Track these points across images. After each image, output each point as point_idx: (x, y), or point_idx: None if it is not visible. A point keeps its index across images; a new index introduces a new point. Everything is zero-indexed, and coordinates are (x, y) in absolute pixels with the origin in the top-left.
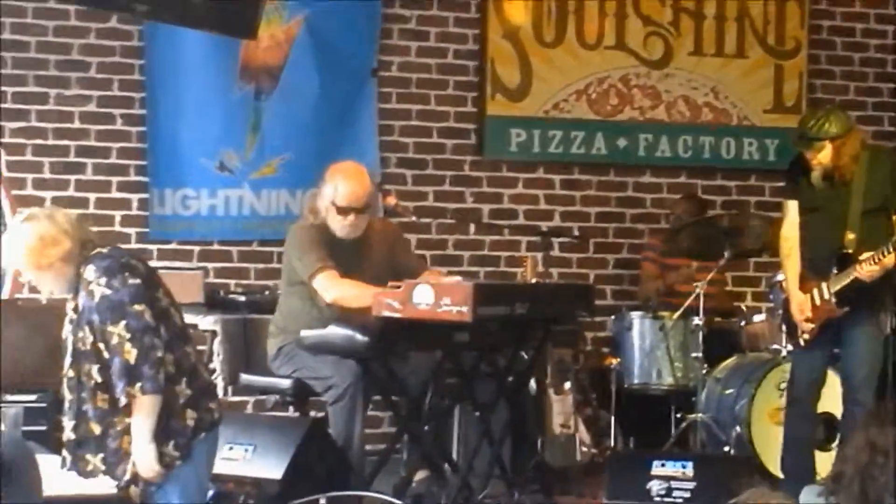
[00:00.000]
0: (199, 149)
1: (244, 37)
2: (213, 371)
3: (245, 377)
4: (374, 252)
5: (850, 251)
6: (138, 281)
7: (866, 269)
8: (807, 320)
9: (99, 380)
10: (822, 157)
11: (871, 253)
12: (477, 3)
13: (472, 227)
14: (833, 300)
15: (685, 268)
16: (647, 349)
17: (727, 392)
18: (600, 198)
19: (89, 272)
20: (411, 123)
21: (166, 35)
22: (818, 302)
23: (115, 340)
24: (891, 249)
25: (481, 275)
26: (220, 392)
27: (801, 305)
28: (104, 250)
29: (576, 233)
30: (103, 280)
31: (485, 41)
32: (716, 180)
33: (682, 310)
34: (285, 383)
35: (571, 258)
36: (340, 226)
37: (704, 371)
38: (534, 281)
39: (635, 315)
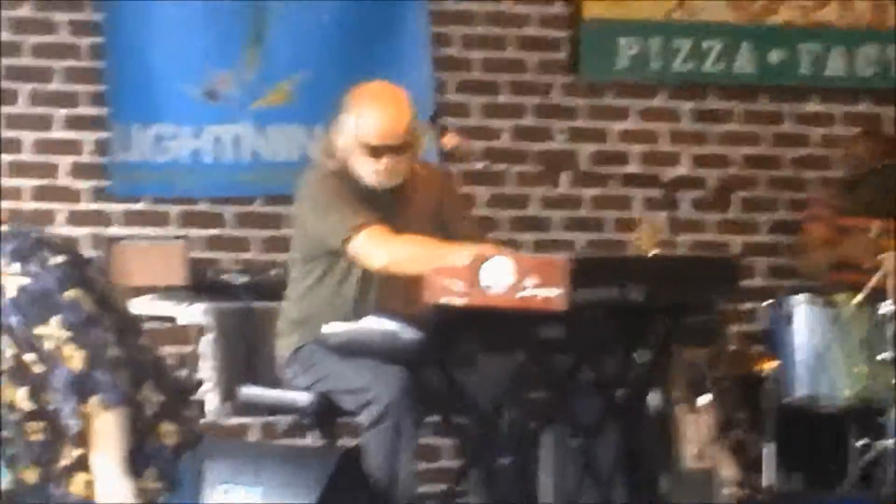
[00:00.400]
0: (178, 68)
1: None
2: (200, 382)
3: (247, 390)
4: (417, 209)
5: None
6: (62, 259)
7: None
8: None
9: (29, 407)
10: None
11: None
12: None
13: (566, 178)
14: None
15: (867, 230)
16: (817, 349)
17: None
18: (747, 134)
19: None
20: (476, 31)
21: None
22: None
23: (49, 345)
24: None
25: (580, 244)
26: (212, 412)
27: None
28: (5, 229)
29: (712, 184)
30: (15, 266)
31: None
32: None
33: (864, 292)
34: (304, 399)
35: (707, 220)
36: (370, 170)
37: None
38: (654, 253)
39: (799, 300)
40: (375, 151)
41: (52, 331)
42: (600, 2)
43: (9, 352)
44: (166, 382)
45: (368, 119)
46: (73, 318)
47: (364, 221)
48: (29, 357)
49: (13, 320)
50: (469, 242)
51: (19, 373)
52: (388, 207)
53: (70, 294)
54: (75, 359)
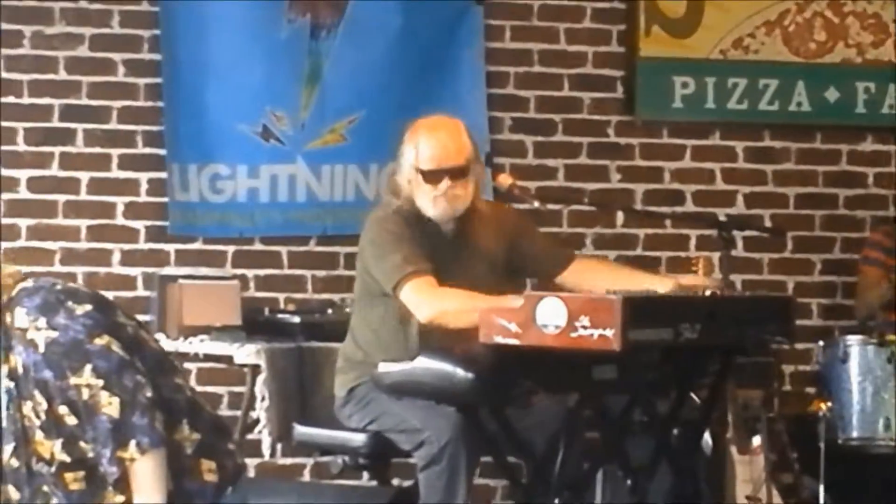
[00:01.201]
0: (234, 109)
1: None
2: (255, 422)
3: (301, 430)
4: (482, 245)
5: None
6: (88, 307)
7: None
8: None
9: (66, 459)
10: None
11: None
12: None
13: (620, 217)
14: None
15: None
16: (871, 389)
17: None
18: (802, 174)
19: (20, 318)
20: (532, 70)
21: None
22: None
23: (85, 395)
24: None
25: None
26: (266, 451)
27: None
28: (27, 285)
29: (767, 223)
30: (43, 321)
31: None
32: None
33: None
34: (358, 439)
35: (762, 259)
36: (432, 200)
37: None
38: (708, 293)
39: (853, 341)
40: (433, 176)
41: (86, 380)
42: (656, 41)
43: (43, 407)
44: (202, 419)
45: (424, 145)
46: (104, 366)
47: (414, 270)
48: (62, 409)
49: (46, 374)
50: (564, 265)
51: (54, 426)
52: (451, 247)
53: (99, 341)
54: (111, 406)
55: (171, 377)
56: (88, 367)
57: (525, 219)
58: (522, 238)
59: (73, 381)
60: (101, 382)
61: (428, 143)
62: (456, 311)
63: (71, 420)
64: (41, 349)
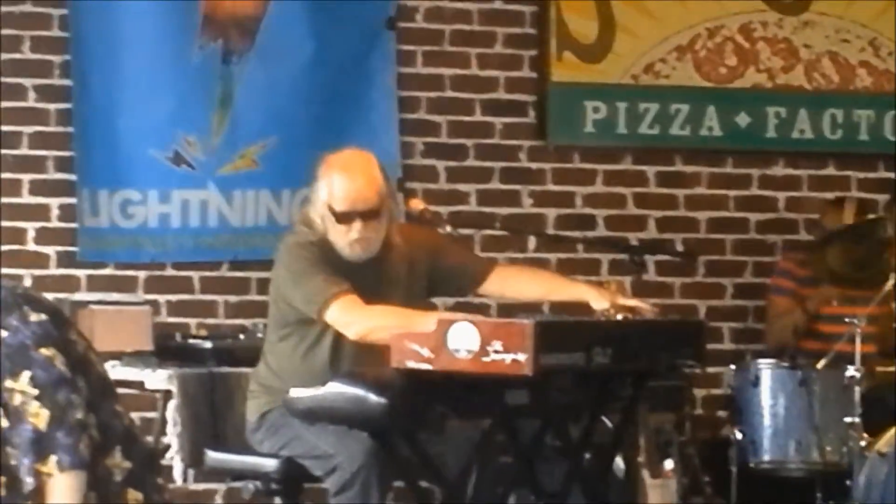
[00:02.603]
0: (145, 134)
1: None
2: (166, 448)
3: (212, 455)
4: (398, 276)
5: None
6: (43, 317)
7: None
8: None
9: None
10: None
11: None
12: None
13: (532, 241)
14: None
15: (835, 297)
16: (782, 413)
17: None
18: (714, 198)
19: None
20: (445, 95)
21: None
22: None
23: (17, 400)
24: None
25: (545, 309)
26: (178, 477)
27: None
28: None
29: (679, 248)
30: None
31: None
32: (877, 171)
33: (830, 356)
34: (270, 464)
35: (673, 284)
36: (345, 241)
37: (864, 443)
38: (620, 317)
39: (764, 365)
40: (346, 218)
41: (22, 386)
42: (567, 66)
43: None
44: (136, 449)
45: (338, 185)
46: (43, 376)
47: (339, 291)
48: None
49: None
50: (485, 274)
51: None
52: (368, 275)
53: (45, 352)
54: (39, 417)
55: (112, 403)
56: (27, 373)
57: (440, 236)
58: (439, 255)
59: (8, 383)
60: (35, 392)
61: (342, 183)
62: (384, 327)
63: (2, 422)
64: None
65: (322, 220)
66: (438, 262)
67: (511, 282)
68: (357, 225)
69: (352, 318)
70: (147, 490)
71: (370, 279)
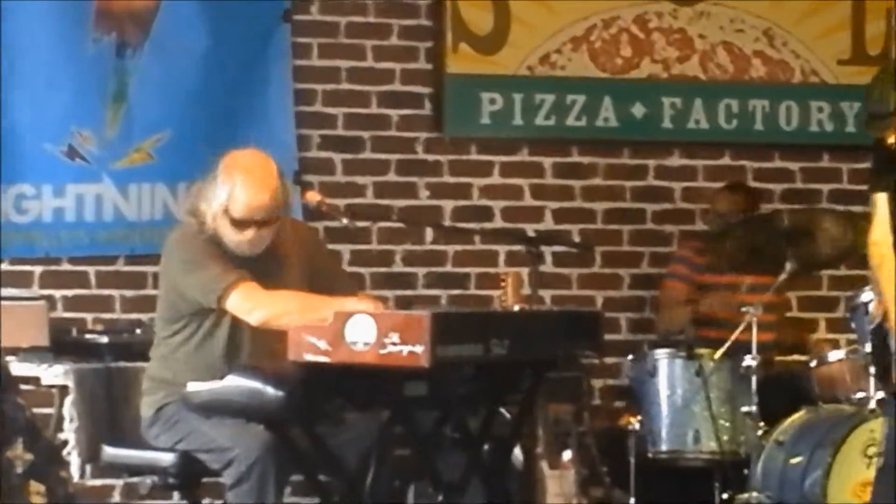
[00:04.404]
0: (39, 128)
1: None
2: (64, 443)
3: (109, 451)
4: (287, 267)
5: None
6: None
7: None
8: None
9: None
10: None
11: None
12: None
13: (429, 233)
14: None
15: (731, 287)
16: (680, 403)
17: (793, 461)
18: (610, 189)
19: None
20: (341, 87)
21: None
22: None
23: None
24: None
25: (443, 300)
26: (75, 472)
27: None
28: None
29: (576, 239)
30: None
31: None
32: (773, 161)
33: (726, 346)
34: (167, 459)
35: (570, 275)
36: (235, 241)
37: (761, 432)
38: (517, 308)
39: (662, 355)
40: (242, 224)
41: None
42: (463, 58)
43: None
44: (38, 442)
45: (239, 193)
46: None
47: (238, 278)
48: None
49: None
50: (346, 297)
51: None
52: (257, 267)
53: None
54: None
55: (14, 395)
56: None
57: (321, 240)
58: (317, 257)
59: None
60: None
61: (244, 193)
62: (287, 312)
63: None
64: None
65: (214, 218)
66: (316, 263)
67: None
68: (250, 231)
69: (253, 303)
70: (50, 483)
71: (262, 268)
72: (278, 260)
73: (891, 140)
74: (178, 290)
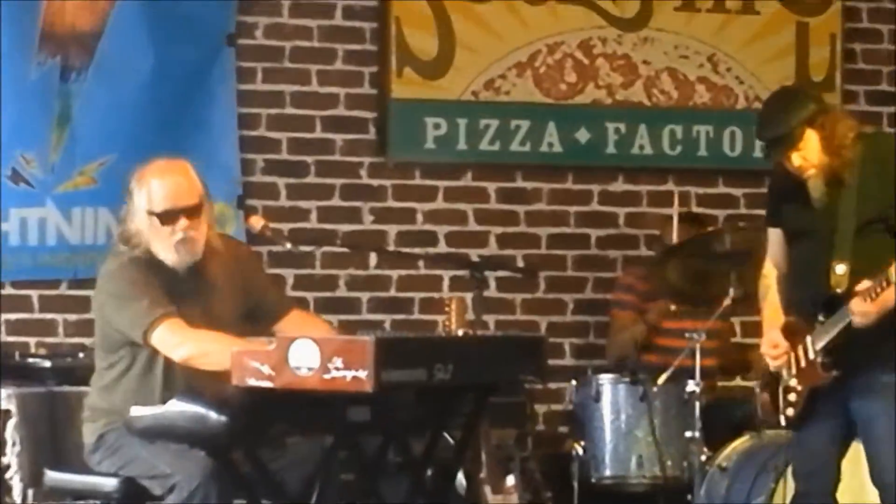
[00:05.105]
0: None
1: None
2: (6, 467)
3: (52, 475)
4: (219, 286)
5: (841, 290)
6: None
7: (858, 309)
8: (792, 389)
9: None
10: (808, 153)
11: (868, 284)
12: None
13: (373, 258)
14: (819, 360)
15: (675, 313)
16: (623, 428)
17: (736, 486)
18: (554, 214)
19: None
20: (285, 112)
21: None
22: (802, 363)
23: None
24: (892, 279)
25: (387, 325)
26: (17, 497)
27: (772, 341)
28: None
29: (520, 264)
30: None
31: None
32: (716, 187)
33: (670, 371)
34: (110, 484)
35: (514, 300)
36: (171, 245)
37: (704, 457)
38: (461, 333)
39: (605, 380)
40: (169, 217)
41: None
42: (408, 83)
43: None
44: None
45: (156, 187)
46: None
47: (163, 313)
48: None
49: None
50: (280, 314)
51: None
52: (191, 289)
53: None
54: None
55: None
56: None
57: (256, 258)
58: (253, 276)
59: None
60: None
61: (161, 184)
62: (212, 351)
63: None
64: None
65: (144, 229)
66: (252, 282)
67: (306, 328)
68: (181, 223)
69: (176, 340)
70: None
71: (192, 286)
72: (207, 283)
73: (796, 162)
74: (111, 324)
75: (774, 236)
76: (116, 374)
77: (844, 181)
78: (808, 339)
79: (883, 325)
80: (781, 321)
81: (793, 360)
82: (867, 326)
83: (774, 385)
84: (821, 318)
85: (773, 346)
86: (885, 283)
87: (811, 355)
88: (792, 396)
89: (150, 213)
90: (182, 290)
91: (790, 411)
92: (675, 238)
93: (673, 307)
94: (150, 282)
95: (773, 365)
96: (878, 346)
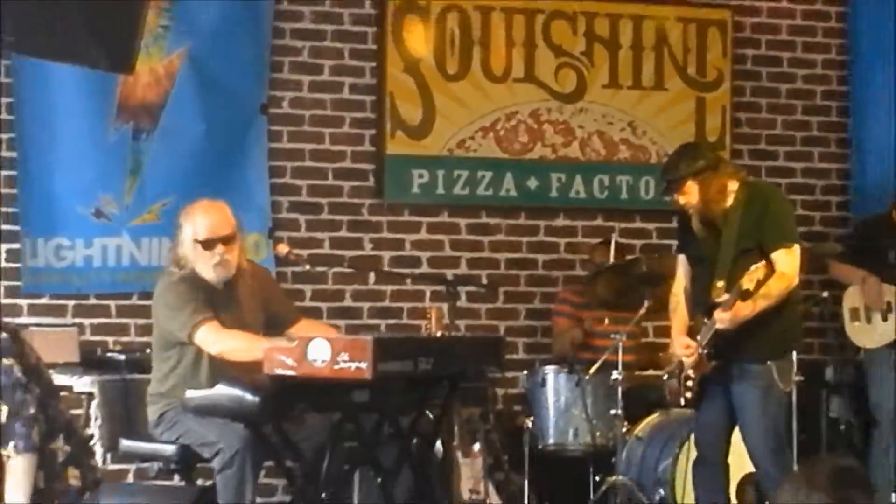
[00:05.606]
0: (73, 194)
1: (120, 71)
2: (91, 437)
3: (125, 443)
4: (247, 298)
5: (718, 300)
6: (4, 335)
7: (718, 317)
8: (687, 377)
9: None
10: (690, 197)
11: (726, 297)
12: (374, 34)
13: (372, 277)
14: (704, 353)
15: (603, 319)
16: (563, 407)
17: (649, 452)
18: (510, 243)
19: None
20: (304, 164)
21: (36, 70)
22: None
23: None
24: (743, 294)
25: (382, 328)
26: (99, 459)
27: (683, 343)
28: None
29: (484, 281)
30: None
31: (383, 75)
32: (634, 223)
33: (599, 364)
34: (169, 450)
35: (480, 309)
36: (210, 265)
37: (624, 430)
38: (439, 334)
39: (549, 370)
40: (210, 244)
41: None
42: (399, 142)
43: None
44: (75, 437)
45: (200, 221)
46: (4, 381)
47: (203, 318)
48: None
49: None
50: (291, 324)
51: None
52: (225, 300)
53: (5, 362)
54: (1, 412)
55: (56, 401)
56: None
57: (272, 278)
58: (270, 292)
59: None
60: None
61: (203, 218)
62: (239, 348)
63: None
64: None
65: (190, 254)
66: (270, 297)
67: (311, 332)
68: (219, 248)
69: (213, 338)
70: (83, 468)
71: (226, 298)
72: (238, 296)
73: (681, 201)
74: (164, 328)
75: (681, 261)
76: (169, 367)
77: (717, 222)
78: (698, 337)
79: (748, 324)
80: (687, 327)
81: (685, 339)
82: (731, 328)
83: (679, 374)
84: (705, 321)
85: (685, 347)
86: (737, 296)
87: (700, 350)
88: (690, 383)
89: (195, 240)
90: (218, 301)
91: (689, 394)
92: (610, 260)
93: (605, 318)
94: (194, 295)
95: (686, 362)
96: (745, 342)
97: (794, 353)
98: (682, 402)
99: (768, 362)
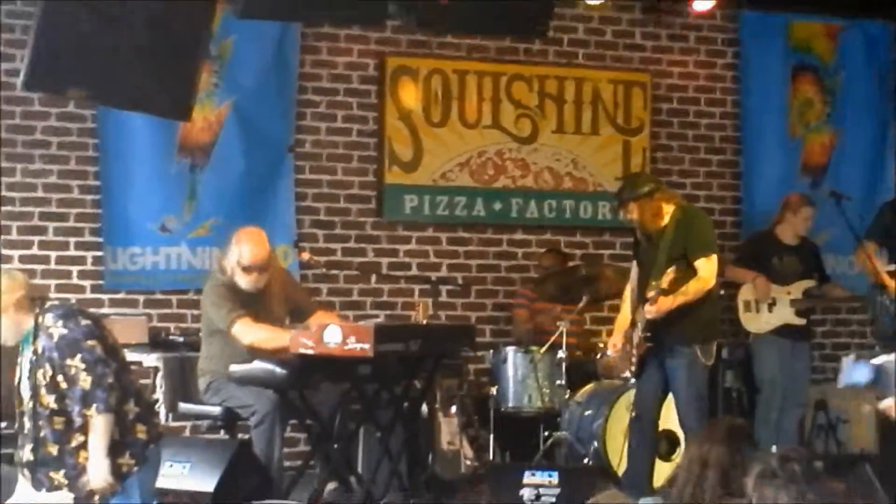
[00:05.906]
0: (144, 214)
1: (181, 119)
2: (157, 401)
3: (183, 406)
4: (275, 297)
5: (649, 296)
6: (89, 322)
7: (646, 309)
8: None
9: (56, 407)
10: (633, 215)
11: (652, 293)
12: (376, 91)
13: (374, 278)
14: (642, 336)
15: (551, 310)
16: (520, 378)
17: (586, 413)
18: (480, 252)
19: (48, 319)
20: (322, 191)
21: (115, 117)
22: (636, 339)
23: (72, 371)
24: (662, 291)
25: (381, 317)
26: (161, 418)
27: (614, 342)
28: (56, 302)
29: (460, 282)
30: (60, 323)
31: (383, 122)
32: (575, 237)
33: (548, 345)
34: (216, 411)
35: (456, 303)
36: (245, 282)
37: (567, 396)
38: (425, 322)
39: (509, 350)
40: (249, 270)
41: (75, 363)
42: (395, 174)
43: (49, 374)
44: (142, 401)
45: (245, 252)
46: (89, 358)
47: (238, 315)
48: (59, 378)
49: (54, 355)
50: (310, 312)
51: (52, 387)
52: (256, 300)
53: (90, 343)
54: (85, 382)
55: (128, 374)
56: (79, 356)
57: (291, 277)
58: (293, 291)
59: (68, 361)
60: (83, 366)
61: (248, 252)
62: (266, 339)
63: (63, 385)
64: (55, 339)
65: (232, 269)
66: (291, 295)
67: (327, 320)
68: (255, 275)
69: (245, 332)
70: (149, 425)
71: (257, 299)
72: (268, 295)
73: (627, 217)
74: (210, 316)
75: (634, 266)
76: (217, 346)
77: (655, 235)
78: (639, 324)
79: (679, 314)
80: (627, 321)
81: (633, 337)
82: (659, 318)
83: (625, 352)
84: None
85: (614, 345)
86: (658, 292)
87: (639, 333)
88: (633, 359)
89: (239, 263)
90: (250, 301)
91: (633, 368)
92: (556, 265)
93: (557, 310)
94: (232, 296)
95: (612, 355)
96: (673, 327)
97: (714, 338)
98: (628, 373)
99: (693, 345)
